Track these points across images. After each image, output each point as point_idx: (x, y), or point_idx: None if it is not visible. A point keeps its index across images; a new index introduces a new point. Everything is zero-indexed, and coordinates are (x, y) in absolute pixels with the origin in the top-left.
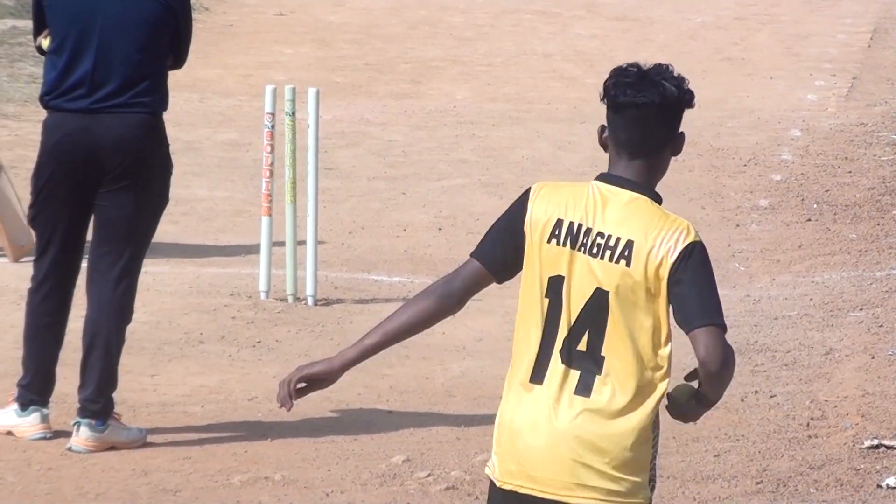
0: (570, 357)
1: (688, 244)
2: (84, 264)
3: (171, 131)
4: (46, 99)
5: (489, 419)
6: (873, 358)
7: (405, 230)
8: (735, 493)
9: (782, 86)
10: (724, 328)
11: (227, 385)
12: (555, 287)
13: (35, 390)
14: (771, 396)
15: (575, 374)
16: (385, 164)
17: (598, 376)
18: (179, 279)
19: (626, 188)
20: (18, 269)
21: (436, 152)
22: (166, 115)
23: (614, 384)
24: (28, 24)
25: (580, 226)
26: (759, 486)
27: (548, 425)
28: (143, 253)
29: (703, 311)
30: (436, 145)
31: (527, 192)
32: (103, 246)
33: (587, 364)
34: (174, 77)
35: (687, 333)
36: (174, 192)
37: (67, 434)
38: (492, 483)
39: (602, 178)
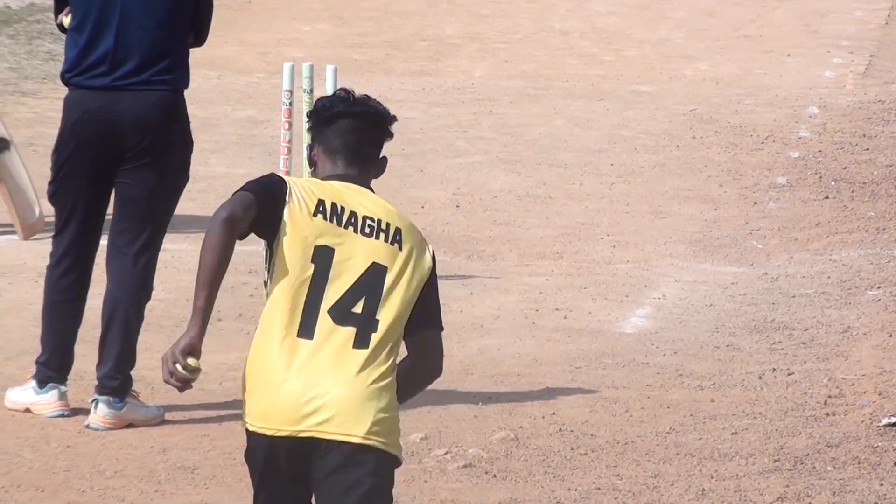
0: (346, 317)
1: (432, 252)
2: (104, 241)
3: (189, 109)
4: (67, 76)
5: (508, 397)
6: (891, 336)
7: (423, 207)
8: (752, 470)
9: (800, 63)
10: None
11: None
12: (323, 256)
13: (53, 367)
14: (788, 374)
15: (351, 331)
16: (403, 142)
17: (374, 334)
18: (198, 256)
19: (359, 184)
20: (36, 246)
21: (453, 129)
22: (185, 93)
23: (384, 342)
24: (46, 0)
25: (343, 207)
26: (777, 463)
27: (332, 374)
28: (163, 230)
29: (439, 316)
30: (453, 122)
31: (274, 174)
32: (123, 223)
33: (364, 324)
34: (192, 55)
35: (416, 333)
36: (193, 169)
37: (85, 412)
38: (254, 432)
39: (333, 178)
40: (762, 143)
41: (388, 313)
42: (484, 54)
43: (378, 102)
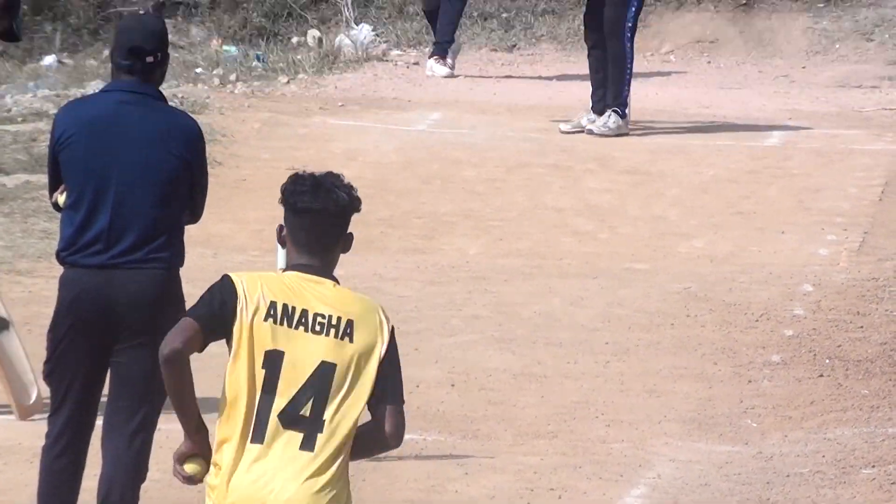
0: (294, 421)
1: (391, 328)
2: (99, 420)
3: (185, 287)
4: (63, 255)
5: None
6: None
7: (418, 386)
8: None
9: (794, 240)
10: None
11: None
12: (272, 361)
13: None
14: None
15: (298, 435)
16: (398, 320)
17: (320, 435)
18: None
19: (318, 275)
20: (31, 427)
21: (448, 308)
22: (180, 271)
23: (332, 442)
24: (41, 178)
25: (294, 308)
26: None
27: (281, 480)
28: (158, 410)
29: (399, 391)
30: (448, 301)
31: (229, 279)
32: (119, 402)
33: (310, 426)
34: (187, 232)
35: (377, 407)
36: None
37: None
38: None
39: (293, 268)
40: (756, 320)
41: (336, 412)
42: (478, 232)
43: (345, 188)
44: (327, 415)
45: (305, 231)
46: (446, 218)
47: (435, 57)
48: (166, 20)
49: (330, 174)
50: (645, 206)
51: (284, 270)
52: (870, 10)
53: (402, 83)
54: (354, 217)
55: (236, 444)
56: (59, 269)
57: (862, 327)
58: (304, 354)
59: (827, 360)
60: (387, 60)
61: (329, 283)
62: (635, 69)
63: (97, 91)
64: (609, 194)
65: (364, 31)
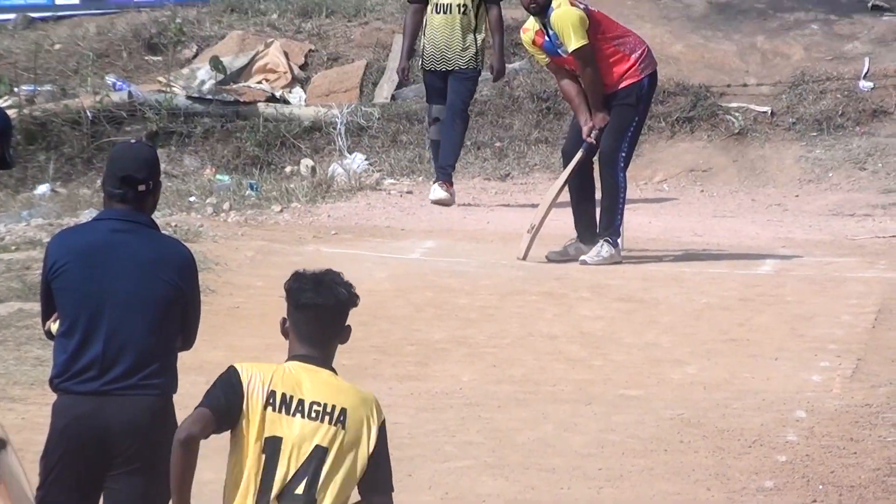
0: (290, 500)
1: (382, 421)
2: None
3: (178, 414)
4: (56, 382)
5: None
6: None
7: None
8: None
9: (787, 367)
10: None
11: None
12: (272, 445)
13: None
14: None
15: None
16: (391, 447)
17: None
18: None
19: (317, 366)
20: None
21: (441, 434)
22: (174, 398)
23: None
24: (35, 306)
25: (292, 397)
26: None
27: None
28: None
29: (388, 481)
30: (441, 427)
31: (234, 370)
32: None
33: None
34: (180, 359)
35: (366, 495)
36: None
37: None
38: None
39: (293, 359)
40: (750, 446)
41: (327, 492)
42: (472, 359)
43: (344, 285)
44: (319, 494)
45: (307, 324)
46: (440, 345)
47: (439, 182)
48: (160, 149)
49: (329, 272)
50: (638, 334)
51: (287, 360)
52: (862, 140)
53: (395, 212)
54: (347, 344)
55: None
56: (52, 396)
57: (855, 453)
58: (300, 440)
59: (820, 486)
60: (380, 189)
61: (327, 372)
62: (628, 197)
63: (90, 219)
64: (602, 322)
65: (357, 160)
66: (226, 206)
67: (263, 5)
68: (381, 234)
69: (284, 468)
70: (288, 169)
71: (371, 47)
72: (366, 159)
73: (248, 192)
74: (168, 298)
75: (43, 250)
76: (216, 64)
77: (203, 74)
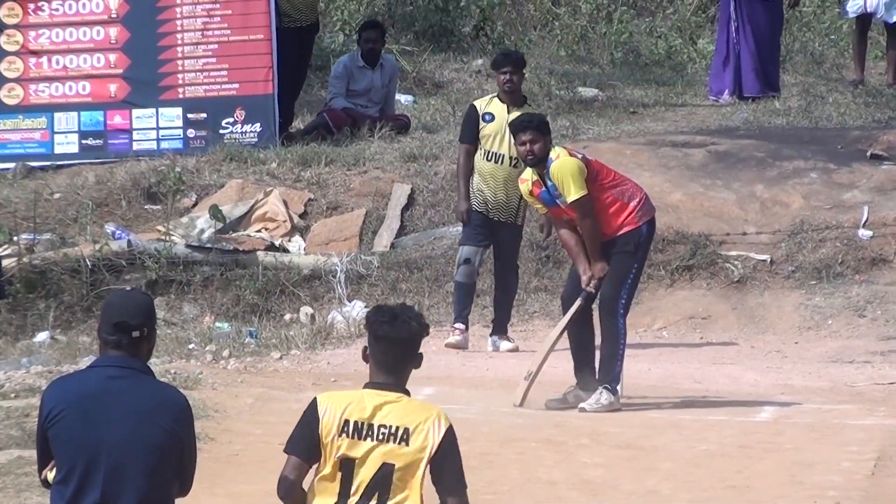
0: None
1: (447, 427)
2: None
3: None
4: None
5: None
6: None
7: None
8: None
9: None
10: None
11: None
12: (346, 466)
13: None
14: None
15: None
16: None
17: None
18: None
19: (390, 391)
20: None
21: None
22: None
23: None
24: (34, 454)
25: (363, 423)
26: None
27: None
28: None
29: (459, 480)
30: None
31: (314, 405)
32: None
33: None
34: None
35: (442, 497)
36: None
37: None
38: None
39: (370, 385)
40: None
41: (396, 500)
42: None
43: (417, 318)
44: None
45: (384, 354)
46: None
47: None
48: (159, 297)
49: (404, 306)
50: (638, 480)
51: (364, 386)
52: (861, 287)
53: None
54: None
55: None
56: None
57: None
58: (369, 459)
59: None
60: None
61: (397, 395)
62: (628, 343)
63: (85, 367)
64: (602, 469)
65: (357, 308)
66: (225, 353)
67: (262, 154)
68: None
69: (357, 483)
70: (287, 317)
71: (370, 196)
72: (365, 307)
73: (247, 340)
74: (165, 445)
75: None
76: (215, 212)
77: (202, 223)
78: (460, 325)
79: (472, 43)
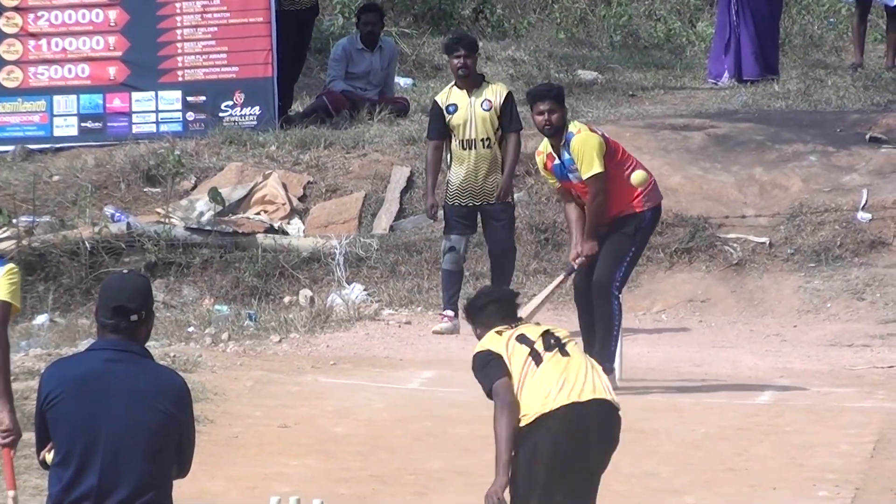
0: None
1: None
2: None
3: None
4: None
5: None
6: None
7: None
8: None
9: (786, 497)
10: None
11: None
12: (524, 340)
13: None
14: None
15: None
16: None
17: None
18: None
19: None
20: None
21: None
22: None
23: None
24: (33, 436)
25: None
26: None
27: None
28: None
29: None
30: None
31: (489, 350)
32: None
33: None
34: (180, 489)
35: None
36: None
37: None
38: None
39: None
40: None
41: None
42: (471, 488)
43: (500, 290)
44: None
45: (495, 316)
46: (438, 475)
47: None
48: (159, 279)
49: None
50: (637, 464)
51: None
52: (861, 270)
53: (393, 342)
54: (344, 473)
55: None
56: None
57: None
58: (531, 330)
59: None
60: (379, 319)
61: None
62: (627, 327)
63: (83, 350)
64: None
65: (356, 291)
66: (224, 336)
67: (262, 137)
68: (379, 364)
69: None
70: (286, 299)
71: (369, 178)
72: (364, 290)
73: (246, 323)
74: (163, 427)
75: None
76: (215, 195)
77: (202, 206)
78: (449, 312)
79: (471, 26)
